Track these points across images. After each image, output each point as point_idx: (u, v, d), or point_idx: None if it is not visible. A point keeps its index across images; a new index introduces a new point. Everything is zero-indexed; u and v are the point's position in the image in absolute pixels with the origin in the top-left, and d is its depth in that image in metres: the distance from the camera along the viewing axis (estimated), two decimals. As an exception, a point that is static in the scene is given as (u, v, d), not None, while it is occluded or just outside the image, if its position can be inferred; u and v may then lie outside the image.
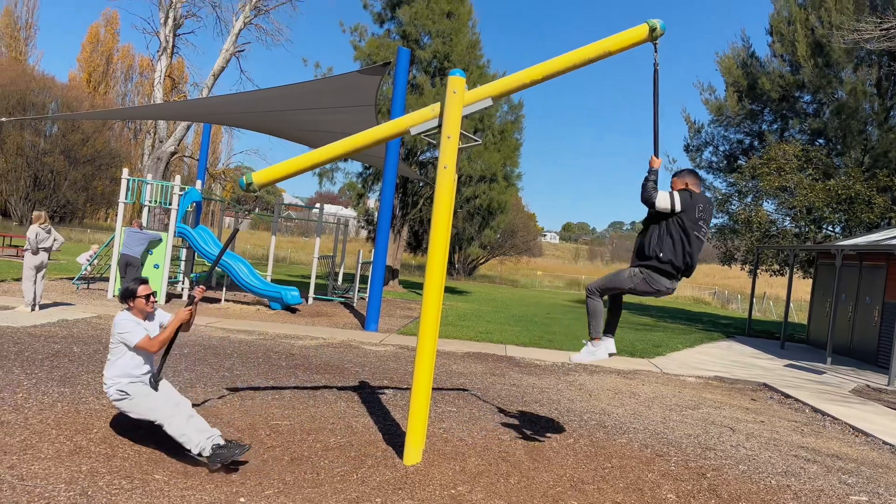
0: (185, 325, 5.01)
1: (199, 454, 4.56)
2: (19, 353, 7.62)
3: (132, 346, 4.74)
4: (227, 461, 4.52)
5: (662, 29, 4.91)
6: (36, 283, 10.92)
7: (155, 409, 4.68)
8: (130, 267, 12.69)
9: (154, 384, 4.85)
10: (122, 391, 4.72)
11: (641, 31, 4.95)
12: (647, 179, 5.07)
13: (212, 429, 4.73)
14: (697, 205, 5.03)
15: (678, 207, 4.98)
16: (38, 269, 10.92)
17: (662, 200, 4.99)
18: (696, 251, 5.06)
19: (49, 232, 11.14)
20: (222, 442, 4.66)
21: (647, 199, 5.03)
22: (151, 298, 4.92)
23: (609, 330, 5.54)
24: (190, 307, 5.00)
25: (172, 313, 5.09)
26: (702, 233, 5.06)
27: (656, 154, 5.13)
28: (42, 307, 11.23)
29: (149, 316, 4.96)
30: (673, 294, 5.50)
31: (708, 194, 26.73)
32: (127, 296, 4.88)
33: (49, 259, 11.30)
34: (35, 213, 11.47)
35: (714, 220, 26.07)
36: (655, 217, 5.13)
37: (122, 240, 12.91)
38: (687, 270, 5.12)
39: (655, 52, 5.01)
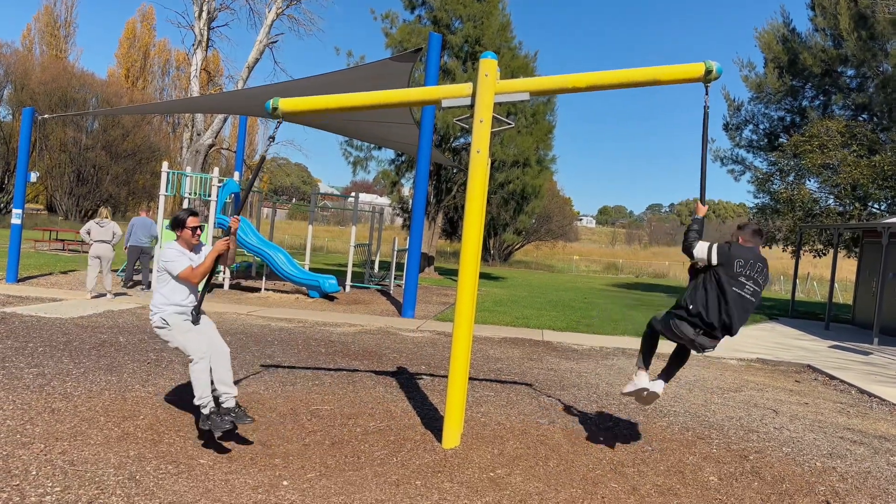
0: (224, 258, 5.09)
1: (198, 406, 4.76)
2: (67, 343, 7.85)
3: (174, 276, 4.91)
4: (215, 430, 4.64)
5: (718, 72, 4.72)
6: (103, 273, 12.02)
7: (187, 345, 4.84)
8: (144, 255, 13.22)
9: (196, 317, 5.00)
10: (163, 319, 4.91)
11: (697, 69, 4.78)
12: (689, 228, 4.92)
13: (230, 387, 4.89)
14: (737, 259, 4.73)
15: (714, 260, 4.76)
16: (99, 259, 11.93)
17: (700, 251, 4.82)
18: (735, 309, 4.73)
19: (102, 226, 12.09)
20: (232, 405, 4.81)
21: (687, 249, 4.88)
22: (198, 231, 5.09)
23: (664, 374, 5.29)
24: (227, 238, 5.10)
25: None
26: (745, 290, 4.73)
27: (702, 201, 4.93)
28: (115, 294, 12.36)
29: (195, 248, 5.12)
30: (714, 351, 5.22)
31: (748, 175, 26.25)
32: (176, 225, 5.05)
33: (112, 251, 12.26)
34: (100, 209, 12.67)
35: (755, 200, 25.54)
36: (700, 267, 4.95)
37: (130, 230, 13.44)
38: (724, 329, 4.81)
39: (707, 94, 4.85)
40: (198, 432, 4.96)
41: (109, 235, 12.10)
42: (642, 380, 5.16)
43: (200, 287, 5.12)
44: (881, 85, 21.97)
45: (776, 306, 23.86)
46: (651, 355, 5.32)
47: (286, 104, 5.45)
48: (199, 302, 5.08)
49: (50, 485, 3.86)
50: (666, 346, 5.28)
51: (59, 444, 4.52)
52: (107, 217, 12.29)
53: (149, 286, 13.25)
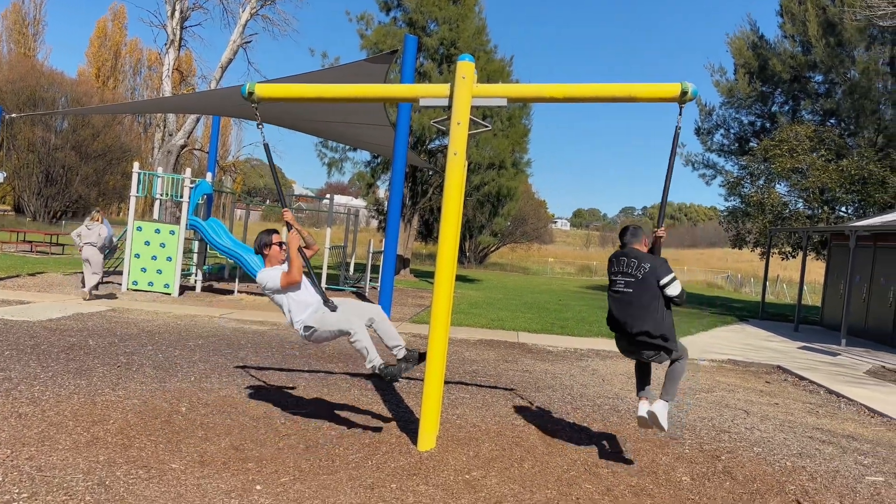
0: (304, 248, 5.29)
1: (372, 369, 5.03)
2: (35, 346, 7.70)
3: (280, 287, 5.06)
4: (397, 376, 5.02)
5: (693, 94, 4.83)
6: (87, 275, 12.10)
7: (340, 327, 5.00)
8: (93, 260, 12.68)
9: (332, 306, 5.15)
10: (305, 326, 5.08)
11: (673, 89, 4.87)
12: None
13: (398, 339, 5.24)
14: (609, 264, 5.02)
15: None
16: (88, 261, 12.10)
17: None
18: (616, 306, 4.89)
19: (90, 228, 12.27)
20: (403, 354, 5.15)
21: None
22: (284, 246, 5.24)
23: (641, 392, 5.25)
24: (292, 231, 5.19)
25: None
26: (617, 286, 4.90)
27: (659, 223, 5.08)
28: (97, 297, 12.34)
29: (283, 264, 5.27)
30: (634, 354, 5.07)
31: (719, 179, 26.58)
32: (262, 246, 5.28)
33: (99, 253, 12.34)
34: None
35: (726, 203, 25.91)
36: None
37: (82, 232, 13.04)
38: (622, 328, 4.91)
39: (680, 114, 4.92)
40: (170, 435, 4.89)
41: (95, 238, 12.21)
42: (639, 408, 5.08)
43: (311, 284, 5.25)
44: (848, 91, 22.46)
45: (746, 308, 24.22)
46: (640, 381, 5.26)
47: (262, 89, 5.44)
48: (322, 293, 5.23)
49: (17, 491, 3.77)
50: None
51: (26, 450, 4.42)
52: (98, 220, 12.46)
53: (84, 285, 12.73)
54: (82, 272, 12.42)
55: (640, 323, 4.77)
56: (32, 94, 40.50)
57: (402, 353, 5.16)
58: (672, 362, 5.07)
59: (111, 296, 12.81)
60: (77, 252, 12.98)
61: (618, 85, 5.02)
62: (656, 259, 4.87)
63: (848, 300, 14.98)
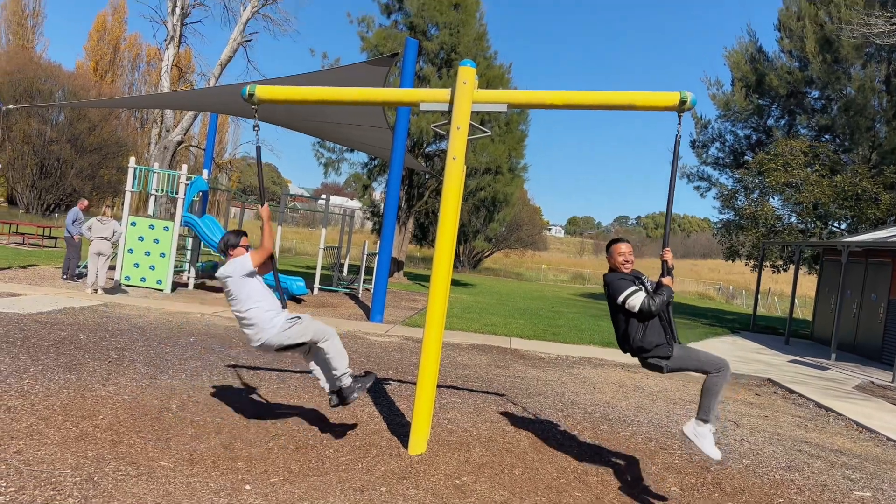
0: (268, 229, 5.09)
1: (345, 375, 5.02)
2: (25, 339, 7.65)
3: (251, 270, 4.83)
4: (365, 388, 5.07)
5: (692, 104, 4.83)
6: (98, 268, 12.23)
7: (317, 328, 4.93)
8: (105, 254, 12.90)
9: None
10: (289, 319, 4.87)
11: (672, 98, 4.88)
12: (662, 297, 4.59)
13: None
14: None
15: None
16: (99, 254, 12.22)
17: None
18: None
19: (104, 223, 12.42)
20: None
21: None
22: (250, 249, 5.05)
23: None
24: (266, 207, 5.16)
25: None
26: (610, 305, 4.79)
27: (665, 244, 4.79)
28: (105, 291, 12.49)
29: None
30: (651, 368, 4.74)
31: (714, 192, 26.75)
32: (229, 246, 5.01)
33: (111, 248, 12.69)
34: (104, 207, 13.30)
35: (720, 216, 26.09)
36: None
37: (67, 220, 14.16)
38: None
39: (679, 123, 4.89)
40: (159, 432, 4.87)
41: (109, 233, 12.43)
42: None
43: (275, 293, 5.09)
44: (844, 108, 22.59)
45: (738, 320, 24.30)
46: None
47: (263, 91, 5.39)
48: (282, 298, 5.13)
49: (4, 485, 3.74)
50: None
51: (14, 444, 4.39)
52: (109, 215, 12.64)
53: (70, 276, 13.81)
54: (80, 264, 12.59)
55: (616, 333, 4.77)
56: (29, 86, 40.36)
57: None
58: (708, 375, 4.56)
59: (118, 290, 13.02)
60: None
61: (618, 93, 5.04)
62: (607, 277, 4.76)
63: (839, 315, 15.05)
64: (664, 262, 4.66)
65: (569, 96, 5.08)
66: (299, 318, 4.92)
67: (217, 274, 4.93)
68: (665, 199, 4.93)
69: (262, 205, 5.28)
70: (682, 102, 4.85)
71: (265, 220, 5.06)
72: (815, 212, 21.71)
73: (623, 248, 4.74)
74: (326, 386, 5.16)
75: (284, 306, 5.06)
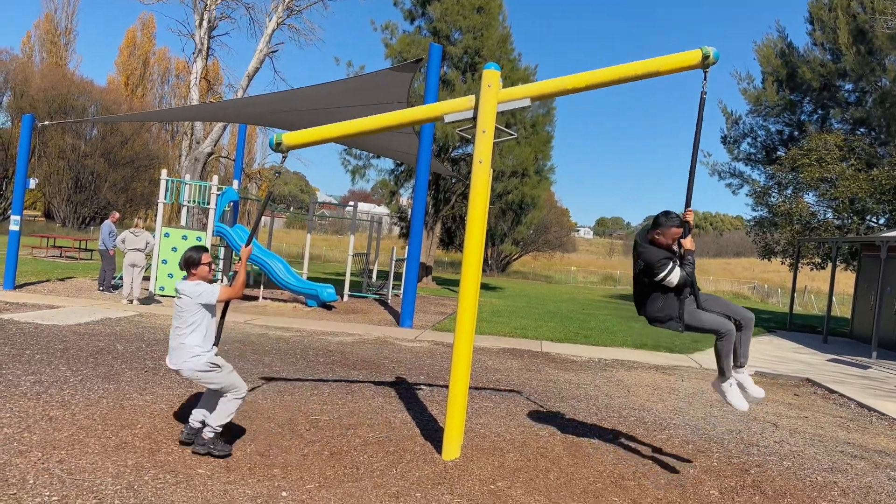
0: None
1: (217, 427, 4.76)
2: (65, 350, 7.81)
3: (214, 302, 4.74)
4: (224, 451, 4.73)
5: (716, 57, 4.78)
6: (133, 279, 12.60)
7: (235, 382, 4.83)
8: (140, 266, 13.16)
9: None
10: (210, 363, 4.70)
11: (694, 56, 4.82)
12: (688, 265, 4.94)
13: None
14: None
15: None
16: (133, 265, 12.62)
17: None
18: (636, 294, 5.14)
19: (137, 235, 12.79)
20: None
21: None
22: (213, 266, 4.95)
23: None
24: (247, 248, 5.14)
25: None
26: (635, 270, 5.05)
27: (688, 204, 4.92)
28: (140, 302, 12.83)
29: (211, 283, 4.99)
30: (671, 329, 5.04)
31: (746, 189, 26.34)
32: (191, 264, 4.84)
33: (145, 259, 13.08)
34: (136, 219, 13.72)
35: (753, 213, 25.65)
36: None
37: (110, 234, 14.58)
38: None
39: (705, 79, 4.88)
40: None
41: (142, 244, 12.80)
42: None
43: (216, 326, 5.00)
44: (879, 99, 22.07)
45: (773, 319, 23.86)
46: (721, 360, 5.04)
47: (290, 139, 5.30)
48: (217, 337, 4.98)
49: (47, 494, 3.82)
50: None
51: (56, 453, 4.48)
52: (141, 227, 13.03)
53: (106, 287, 14.21)
54: (115, 276, 12.88)
55: (640, 303, 5.10)
56: (63, 102, 41.32)
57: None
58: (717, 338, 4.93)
59: (152, 300, 13.28)
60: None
61: (639, 62, 4.94)
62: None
63: (879, 312, 14.69)
64: (685, 223, 4.85)
65: (590, 77, 5.00)
66: (219, 367, 4.76)
67: (178, 286, 4.80)
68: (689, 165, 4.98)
69: (246, 245, 5.22)
70: (706, 57, 4.80)
71: (242, 261, 5.04)
72: (851, 207, 21.22)
73: (677, 232, 4.85)
74: (195, 415, 4.92)
75: (216, 345, 4.90)
